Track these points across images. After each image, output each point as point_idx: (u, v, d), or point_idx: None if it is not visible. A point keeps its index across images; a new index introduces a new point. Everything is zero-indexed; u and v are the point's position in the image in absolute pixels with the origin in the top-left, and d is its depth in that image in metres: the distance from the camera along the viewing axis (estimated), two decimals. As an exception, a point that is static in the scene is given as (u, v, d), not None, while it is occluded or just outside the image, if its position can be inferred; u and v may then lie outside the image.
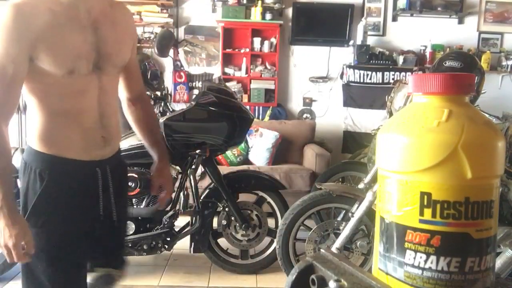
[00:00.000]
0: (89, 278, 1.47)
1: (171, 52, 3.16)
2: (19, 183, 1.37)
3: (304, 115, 5.06)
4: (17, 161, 2.69)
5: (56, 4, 1.23)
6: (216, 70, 4.93)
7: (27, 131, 1.37)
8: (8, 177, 1.23)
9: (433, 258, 0.58)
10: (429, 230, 0.58)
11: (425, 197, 0.58)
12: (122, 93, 1.55)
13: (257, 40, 4.82)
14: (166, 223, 2.67)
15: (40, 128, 1.29)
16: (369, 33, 4.86)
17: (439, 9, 4.85)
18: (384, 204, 0.64)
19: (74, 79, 1.26)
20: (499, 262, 1.57)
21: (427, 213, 0.58)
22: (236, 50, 4.86)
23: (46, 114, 1.28)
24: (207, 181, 2.95)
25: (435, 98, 0.62)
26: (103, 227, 1.42)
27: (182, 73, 4.84)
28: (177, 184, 2.76)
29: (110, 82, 1.37)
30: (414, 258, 0.59)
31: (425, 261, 0.59)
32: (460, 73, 0.63)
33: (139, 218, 2.67)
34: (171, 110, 2.79)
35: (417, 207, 0.59)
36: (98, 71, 1.31)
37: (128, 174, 2.58)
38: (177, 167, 2.83)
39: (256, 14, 4.71)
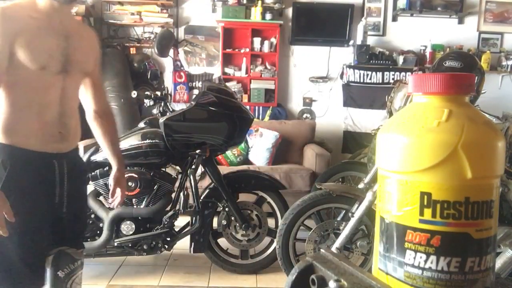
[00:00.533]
0: (47, 263, 1.56)
1: (171, 52, 3.16)
2: None
3: (304, 115, 5.06)
4: None
5: (35, 12, 1.44)
6: (216, 70, 4.93)
7: None
8: None
9: (433, 258, 0.58)
10: (429, 230, 0.58)
11: (425, 197, 0.58)
12: (89, 105, 1.77)
13: (257, 40, 4.82)
14: (166, 223, 2.67)
15: (4, 120, 1.44)
16: (369, 33, 4.86)
17: (439, 9, 4.85)
18: (384, 204, 0.64)
19: (44, 75, 1.45)
20: (499, 262, 1.57)
21: (427, 213, 0.58)
22: (236, 50, 4.86)
23: (11, 107, 1.44)
24: (207, 181, 2.95)
25: (435, 98, 0.62)
26: (57, 215, 1.58)
27: (182, 73, 4.84)
28: (177, 184, 2.76)
29: (72, 85, 1.58)
30: (414, 258, 0.59)
31: (425, 261, 0.59)
32: (460, 73, 0.63)
33: (139, 218, 2.67)
34: (171, 110, 2.79)
35: (417, 207, 0.59)
36: (64, 73, 1.51)
37: (128, 174, 2.60)
38: (177, 167, 2.83)
39: (256, 14, 4.71)
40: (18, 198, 1.43)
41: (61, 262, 1.58)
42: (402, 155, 0.60)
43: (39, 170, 1.49)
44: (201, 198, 2.78)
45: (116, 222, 2.64)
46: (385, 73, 4.84)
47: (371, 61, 4.79)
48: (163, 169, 2.77)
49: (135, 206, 2.70)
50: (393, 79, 4.75)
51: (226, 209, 2.82)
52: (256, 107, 4.92)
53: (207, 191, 2.84)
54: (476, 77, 2.11)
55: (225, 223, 2.86)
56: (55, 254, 1.58)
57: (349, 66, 4.87)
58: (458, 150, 0.56)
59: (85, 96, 1.74)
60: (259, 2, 4.69)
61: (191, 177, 2.68)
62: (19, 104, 1.45)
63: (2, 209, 1.34)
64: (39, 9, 1.46)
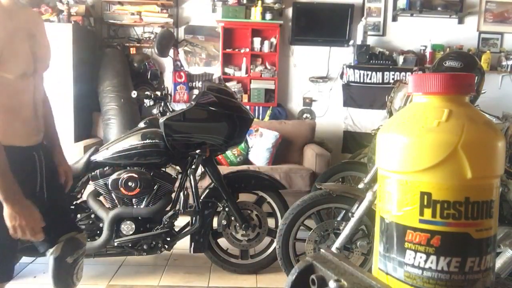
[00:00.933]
0: (56, 251, 1.64)
1: (171, 52, 3.16)
2: None
3: (304, 115, 5.06)
4: None
5: (6, 17, 1.44)
6: (216, 70, 4.93)
7: None
8: (5, 172, 1.42)
9: (433, 258, 0.58)
10: (429, 230, 0.58)
11: (425, 197, 0.58)
12: None
13: (257, 40, 4.82)
14: (166, 223, 2.67)
15: None
16: (369, 33, 4.86)
17: (439, 9, 4.85)
18: (384, 204, 0.64)
19: (21, 80, 1.50)
20: (499, 262, 1.57)
21: (427, 213, 0.58)
22: (236, 50, 4.86)
23: None
24: (207, 181, 2.95)
25: (435, 98, 0.62)
26: (41, 202, 1.62)
27: (182, 73, 4.84)
28: (177, 184, 2.76)
29: (40, 81, 1.66)
30: (414, 258, 0.59)
31: (425, 261, 0.59)
32: (460, 73, 0.63)
33: (139, 218, 2.67)
34: (171, 110, 2.79)
35: (417, 207, 0.59)
36: (34, 73, 1.57)
37: (128, 174, 2.60)
38: (177, 167, 2.83)
39: (256, 14, 4.71)
40: None
41: (70, 248, 1.66)
42: (402, 155, 0.60)
43: (24, 163, 1.56)
44: (201, 198, 2.78)
45: (116, 222, 2.64)
46: (385, 73, 4.84)
47: (371, 61, 4.79)
48: (163, 169, 2.77)
49: (135, 206, 2.70)
50: (393, 79, 4.75)
51: (226, 209, 2.82)
52: (256, 107, 4.92)
53: (207, 191, 2.84)
54: (476, 77, 2.11)
55: (225, 223, 2.86)
56: (65, 241, 1.65)
57: (349, 66, 4.87)
58: (458, 150, 0.56)
59: None
60: (259, 2, 4.69)
61: (191, 177, 2.68)
62: (2, 108, 1.48)
63: (33, 220, 1.45)
64: (7, 9, 1.46)
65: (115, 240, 2.65)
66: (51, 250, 1.64)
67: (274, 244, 2.83)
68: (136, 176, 2.61)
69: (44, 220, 1.54)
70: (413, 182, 0.59)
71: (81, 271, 1.74)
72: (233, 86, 4.72)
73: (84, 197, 2.77)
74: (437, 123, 0.58)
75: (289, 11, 4.91)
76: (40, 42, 1.59)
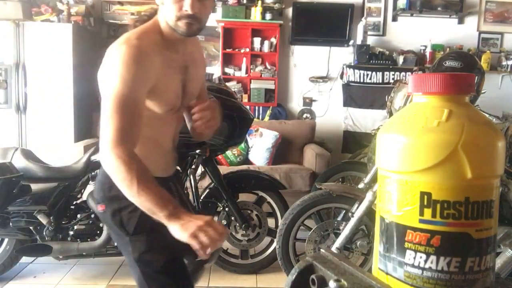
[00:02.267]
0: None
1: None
2: (99, 207, 1.46)
3: (304, 115, 5.06)
4: (18, 161, 2.68)
5: (163, 46, 1.35)
6: (216, 70, 4.93)
7: None
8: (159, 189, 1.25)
9: (433, 258, 0.58)
10: (429, 230, 0.58)
11: (425, 197, 0.58)
12: None
13: (257, 40, 4.82)
14: (166, 223, 2.67)
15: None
16: (369, 33, 4.86)
17: (439, 9, 4.85)
18: (384, 204, 0.64)
19: (167, 115, 1.42)
20: (499, 262, 1.57)
21: (427, 213, 0.58)
22: (236, 50, 4.86)
23: (137, 144, 1.34)
24: (207, 181, 2.95)
25: (435, 98, 0.62)
26: None
27: (182, 73, 4.84)
28: (177, 184, 2.75)
29: (182, 114, 1.56)
30: (414, 258, 0.59)
31: (425, 261, 0.59)
32: (460, 73, 0.63)
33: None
34: (171, 110, 2.79)
35: (417, 207, 0.59)
36: (180, 108, 1.48)
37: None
38: (177, 167, 2.83)
39: (256, 14, 4.71)
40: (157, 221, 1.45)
41: (213, 254, 1.61)
42: (402, 155, 0.60)
43: None
44: (201, 198, 2.78)
45: (116, 222, 2.64)
46: (385, 73, 4.84)
47: (371, 61, 4.79)
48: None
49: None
50: (393, 79, 4.75)
51: (226, 209, 2.82)
52: (256, 107, 4.92)
53: (207, 191, 2.84)
54: (476, 77, 2.11)
55: (225, 223, 2.86)
56: (194, 268, 1.68)
57: (349, 66, 4.87)
58: (458, 150, 0.56)
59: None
60: (259, 2, 4.69)
61: (191, 177, 2.68)
62: (145, 139, 1.37)
63: (209, 225, 1.21)
64: (165, 39, 1.36)
65: (115, 240, 2.65)
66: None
67: (274, 244, 2.84)
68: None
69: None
70: (413, 182, 0.59)
71: None
72: (233, 86, 4.72)
73: (84, 197, 2.77)
74: (437, 123, 0.58)
75: (289, 11, 4.91)
76: (192, 74, 1.47)
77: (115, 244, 2.66)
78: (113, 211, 1.41)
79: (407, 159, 0.60)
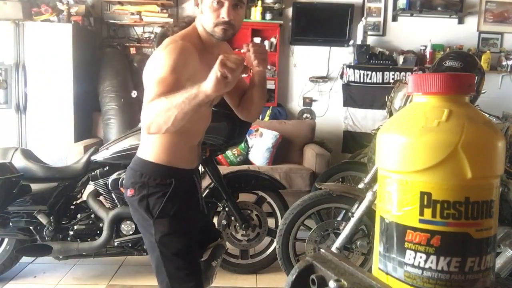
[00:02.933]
0: (204, 255, 1.79)
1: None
2: (128, 192, 1.60)
3: (304, 115, 5.06)
4: (18, 161, 2.68)
5: (201, 48, 1.52)
6: (216, 70, 4.92)
7: (142, 147, 1.65)
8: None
9: (433, 258, 0.58)
10: (429, 230, 0.58)
11: (425, 197, 0.58)
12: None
13: (257, 40, 4.81)
14: (166, 223, 2.67)
15: (162, 145, 1.56)
16: (369, 33, 4.86)
17: (439, 9, 4.85)
18: (384, 204, 0.64)
19: (200, 109, 1.47)
20: (499, 262, 1.57)
21: (427, 213, 0.58)
22: (236, 50, 4.86)
23: (170, 135, 1.52)
24: (207, 181, 2.95)
25: (435, 98, 0.62)
26: (202, 215, 1.84)
27: (182, 73, 4.84)
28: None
29: (210, 111, 1.72)
30: (414, 258, 0.59)
31: (425, 261, 0.59)
32: (460, 73, 0.63)
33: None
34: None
35: (417, 207, 0.59)
36: (210, 105, 1.63)
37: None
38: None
39: (256, 14, 4.71)
40: (183, 206, 1.59)
41: (217, 253, 1.83)
42: (402, 155, 0.60)
43: (189, 185, 1.67)
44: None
45: (116, 222, 2.64)
46: (385, 73, 4.84)
47: (371, 61, 4.79)
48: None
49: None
50: (393, 79, 4.75)
51: (226, 209, 2.82)
52: (256, 107, 4.91)
53: (207, 191, 2.84)
54: (476, 77, 2.11)
55: (225, 223, 2.86)
56: (213, 247, 1.80)
57: (349, 66, 4.87)
58: (458, 150, 0.56)
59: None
60: (259, 2, 4.69)
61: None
62: (178, 132, 1.49)
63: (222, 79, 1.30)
64: (203, 42, 1.54)
65: (115, 240, 2.65)
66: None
67: (274, 244, 2.83)
68: (136, 176, 2.61)
69: (202, 231, 1.74)
70: (413, 182, 0.59)
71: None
72: (233, 86, 4.71)
73: (84, 197, 2.77)
74: (437, 123, 0.58)
75: (289, 11, 4.91)
76: None
77: (115, 244, 2.66)
78: (141, 196, 1.55)
79: (407, 159, 0.60)
